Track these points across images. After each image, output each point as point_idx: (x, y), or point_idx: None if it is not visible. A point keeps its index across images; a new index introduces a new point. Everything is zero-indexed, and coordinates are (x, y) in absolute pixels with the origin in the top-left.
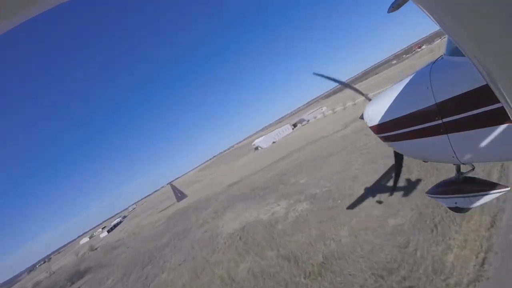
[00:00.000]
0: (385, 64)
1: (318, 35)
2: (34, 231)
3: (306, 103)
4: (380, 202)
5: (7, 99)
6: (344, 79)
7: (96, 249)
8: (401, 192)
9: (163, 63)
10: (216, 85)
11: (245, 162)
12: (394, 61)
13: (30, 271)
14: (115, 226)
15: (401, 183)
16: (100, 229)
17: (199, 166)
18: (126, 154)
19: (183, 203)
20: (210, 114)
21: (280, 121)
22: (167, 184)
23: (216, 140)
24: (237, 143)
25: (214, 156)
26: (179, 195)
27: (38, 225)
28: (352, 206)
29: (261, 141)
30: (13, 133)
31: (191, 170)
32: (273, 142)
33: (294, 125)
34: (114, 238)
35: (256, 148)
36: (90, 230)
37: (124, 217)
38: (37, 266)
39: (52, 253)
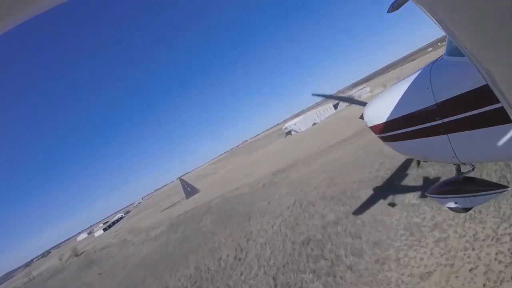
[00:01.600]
0: (421, 52)
1: (326, 35)
2: (46, 224)
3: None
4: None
5: (7, 99)
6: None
7: (80, 254)
8: None
9: (174, 60)
10: (229, 82)
11: (277, 149)
12: (430, 49)
13: (27, 266)
14: (113, 223)
15: None
16: (102, 224)
17: (210, 161)
18: (138, 149)
19: (194, 200)
20: (217, 111)
21: (297, 115)
22: (177, 178)
23: (224, 136)
24: (250, 138)
25: (225, 152)
26: (189, 189)
27: (51, 219)
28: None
29: (297, 124)
30: (31, 131)
31: (201, 166)
32: (314, 124)
33: (335, 106)
34: (104, 242)
35: (289, 133)
36: (96, 223)
37: (127, 212)
38: (34, 260)
39: (53, 247)
